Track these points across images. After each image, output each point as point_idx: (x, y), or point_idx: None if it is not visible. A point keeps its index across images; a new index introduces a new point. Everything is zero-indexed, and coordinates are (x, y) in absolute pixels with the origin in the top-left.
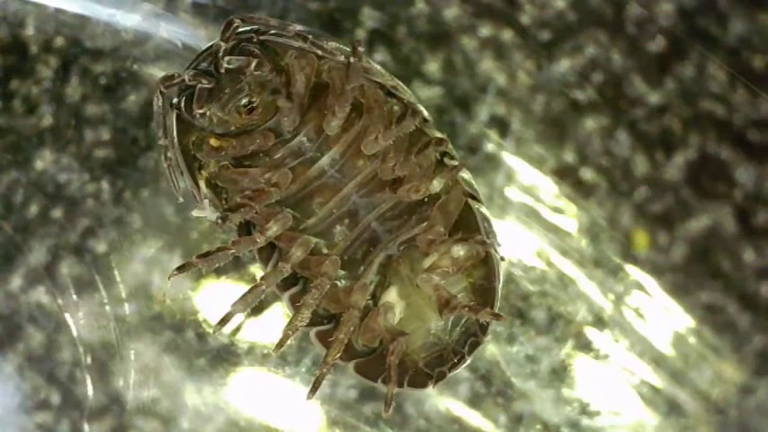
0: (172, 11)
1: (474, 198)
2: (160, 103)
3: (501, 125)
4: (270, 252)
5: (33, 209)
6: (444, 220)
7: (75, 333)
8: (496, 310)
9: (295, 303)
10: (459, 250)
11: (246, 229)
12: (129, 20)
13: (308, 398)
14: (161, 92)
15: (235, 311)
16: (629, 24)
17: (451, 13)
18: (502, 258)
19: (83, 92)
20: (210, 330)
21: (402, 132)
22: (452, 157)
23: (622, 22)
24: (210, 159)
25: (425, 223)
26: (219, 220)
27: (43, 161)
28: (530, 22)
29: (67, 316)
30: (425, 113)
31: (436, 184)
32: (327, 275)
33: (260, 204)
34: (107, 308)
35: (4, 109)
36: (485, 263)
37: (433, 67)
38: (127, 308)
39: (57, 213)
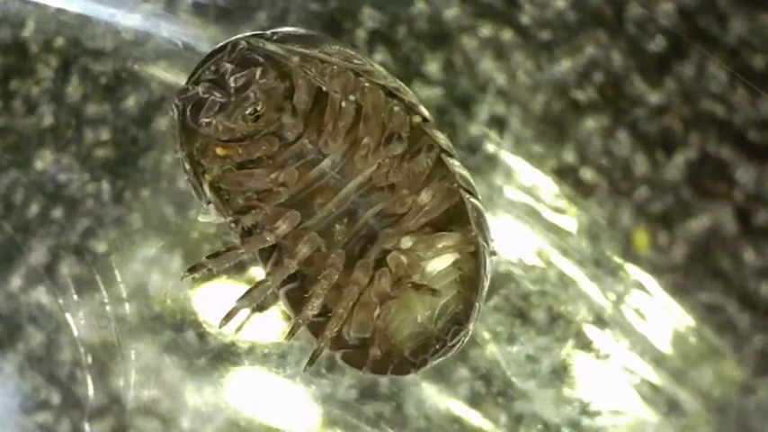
0: (172, 11)
1: (469, 192)
2: (176, 116)
3: (501, 125)
4: (270, 251)
5: (33, 209)
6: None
7: (75, 333)
8: (482, 301)
9: (291, 299)
10: (425, 197)
11: (247, 229)
12: (130, 20)
13: (306, 369)
14: (176, 104)
15: (240, 307)
16: (629, 24)
17: (451, 13)
18: (493, 253)
19: (83, 92)
20: (211, 330)
21: (390, 154)
22: (451, 155)
23: (622, 22)
24: (215, 165)
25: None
26: (233, 224)
27: (43, 161)
28: (530, 22)
29: (68, 316)
30: (426, 113)
31: (424, 197)
32: (335, 267)
33: (269, 205)
34: (107, 308)
35: (4, 109)
36: (474, 256)
37: (433, 67)
38: (127, 308)
39: (57, 213)
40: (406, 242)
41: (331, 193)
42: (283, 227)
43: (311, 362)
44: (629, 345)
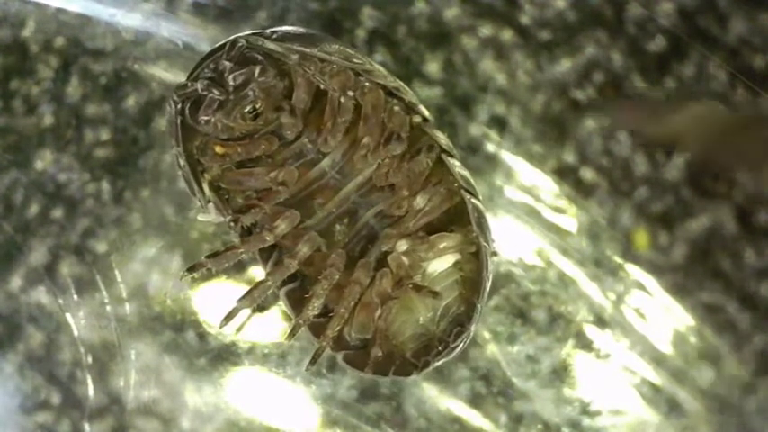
0: (172, 11)
1: (469, 193)
2: (173, 111)
3: (501, 125)
4: (270, 251)
5: (33, 209)
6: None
7: (75, 333)
8: (484, 302)
9: (291, 299)
10: (420, 201)
11: (247, 229)
12: (130, 20)
13: (307, 369)
14: (174, 100)
15: (240, 307)
16: (629, 24)
17: (451, 13)
18: (494, 253)
19: (83, 92)
20: (211, 330)
21: (390, 154)
22: (452, 155)
23: (622, 22)
24: (215, 164)
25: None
26: (232, 223)
27: (43, 161)
28: (530, 22)
29: (68, 316)
30: (426, 113)
31: (420, 201)
32: (336, 267)
33: (269, 204)
34: (108, 308)
35: (4, 109)
36: (476, 256)
37: (433, 67)
38: (127, 308)
39: (57, 213)
40: (402, 245)
41: (331, 192)
42: (283, 226)
43: (313, 361)
44: (629, 344)
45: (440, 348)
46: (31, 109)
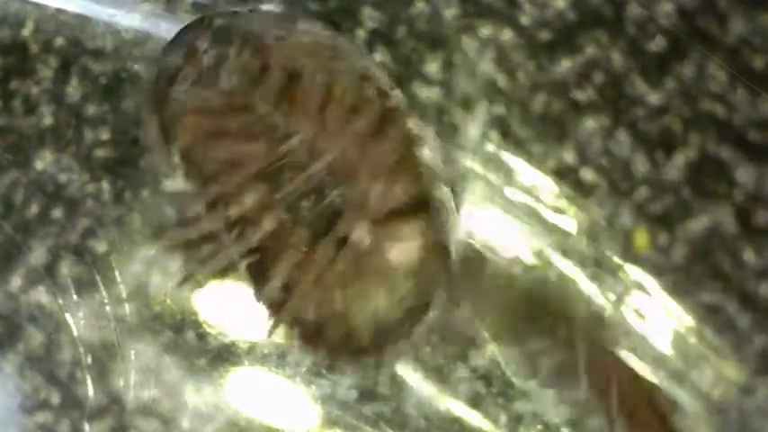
0: (172, 11)
1: (437, 180)
2: (146, 82)
3: (501, 125)
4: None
5: (33, 209)
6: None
7: (75, 333)
8: (447, 289)
9: (251, 272)
10: (381, 188)
11: (212, 202)
12: (130, 20)
13: (269, 336)
14: (148, 71)
15: (194, 272)
16: (629, 24)
17: (451, 13)
18: (464, 241)
19: (83, 92)
20: (211, 330)
21: (358, 137)
22: (421, 141)
23: (622, 22)
24: (186, 135)
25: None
26: (199, 195)
27: (43, 161)
28: (530, 22)
29: (68, 316)
30: (399, 98)
31: (385, 186)
32: (298, 245)
33: (236, 178)
34: (107, 308)
35: (4, 109)
36: (441, 244)
37: (433, 67)
38: (127, 308)
39: (57, 213)
40: (364, 229)
41: (299, 170)
42: (249, 200)
43: (269, 334)
44: (629, 345)
45: (398, 336)
46: (31, 109)
